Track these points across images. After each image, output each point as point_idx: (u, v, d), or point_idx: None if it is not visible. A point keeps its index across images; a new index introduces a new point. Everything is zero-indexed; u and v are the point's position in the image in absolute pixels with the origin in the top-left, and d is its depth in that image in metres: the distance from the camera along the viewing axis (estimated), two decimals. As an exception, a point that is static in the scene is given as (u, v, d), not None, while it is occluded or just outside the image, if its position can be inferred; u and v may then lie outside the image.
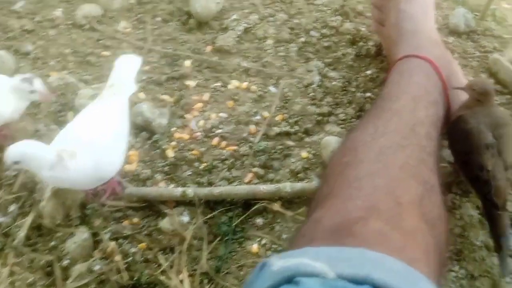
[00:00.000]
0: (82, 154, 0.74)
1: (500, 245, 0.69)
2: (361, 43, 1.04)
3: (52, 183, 0.79)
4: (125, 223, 0.81)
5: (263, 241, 0.79)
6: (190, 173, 0.87)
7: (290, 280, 0.37)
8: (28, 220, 0.80)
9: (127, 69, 0.87)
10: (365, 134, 0.63)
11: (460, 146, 0.76)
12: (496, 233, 0.70)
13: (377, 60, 1.01)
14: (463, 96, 0.77)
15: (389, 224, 0.47)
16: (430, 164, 0.60)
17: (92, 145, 0.75)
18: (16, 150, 0.71)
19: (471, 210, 0.78)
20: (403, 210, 0.51)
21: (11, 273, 0.77)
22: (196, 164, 0.88)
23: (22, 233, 0.79)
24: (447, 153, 0.82)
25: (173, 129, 0.93)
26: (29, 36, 1.09)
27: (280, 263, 0.39)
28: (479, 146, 0.71)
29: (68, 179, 0.75)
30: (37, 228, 0.81)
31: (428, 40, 0.84)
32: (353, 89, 0.97)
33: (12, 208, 0.82)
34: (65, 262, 0.77)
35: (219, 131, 0.93)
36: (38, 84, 0.83)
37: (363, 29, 1.07)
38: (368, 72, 0.99)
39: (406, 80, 0.75)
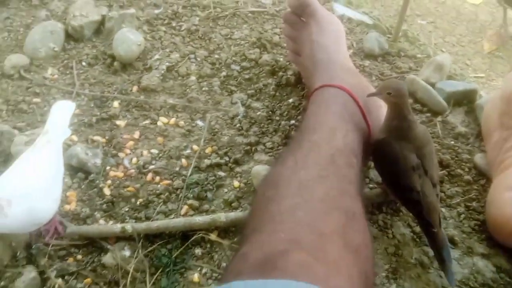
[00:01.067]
0: (17, 202, 0.76)
1: (443, 258, 0.74)
2: (280, 73, 1.11)
3: None
4: (70, 260, 0.84)
5: (204, 270, 0.83)
6: (127, 209, 0.90)
7: None
8: (-25, 263, 0.81)
9: (61, 115, 0.90)
10: (286, 168, 0.65)
11: (387, 169, 0.79)
12: (436, 248, 0.75)
13: (297, 88, 1.08)
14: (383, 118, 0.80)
15: (311, 255, 0.50)
16: (352, 192, 0.63)
17: (27, 193, 0.77)
18: None
19: (402, 228, 0.84)
20: (325, 241, 0.53)
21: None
22: (133, 200, 0.92)
23: (-31, 277, 0.80)
24: (376, 174, 0.88)
25: (108, 168, 0.96)
26: (-43, 90, 1.09)
27: None
28: (406, 169, 0.74)
29: (6, 226, 0.77)
30: (-14, 271, 0.83)
31: (342, 68, 0.89)
32: (278, 118, 1.03)
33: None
34: (16, 301, 0.78)
35: (152, 166, 0.97)
36: None
37: (281, 59, 1.14)
38: (290, 100, 1.05)
39: (323, 111, 0.78)
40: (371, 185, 0.90)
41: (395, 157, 0.75)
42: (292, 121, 1.02)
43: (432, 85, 1.05)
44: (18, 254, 0.83)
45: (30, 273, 0.81)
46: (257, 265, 0.49)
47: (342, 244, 0.54)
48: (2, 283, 0.81)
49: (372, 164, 0.89)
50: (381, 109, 0.85)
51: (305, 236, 0.53)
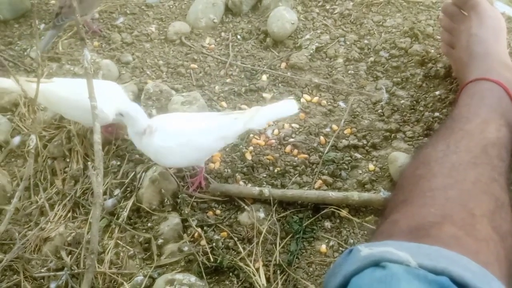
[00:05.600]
0: (169, 138, 0.86)
1: None
2: (430, 64, 1.09)
3: (135, 144, 0.90)
4: (210, 213, 0.92)
5: (331, 243, 0.87)
6: (265, 175, 0.96)
7: (376, 264, 0.43)
8: (130, 203, 0.93)
9: (275, 114, 0.93)
10: (437, 150, 0.67)
11: None
12: None
13: (446, 81, 1.05)
14: None
15: (462, 230, 0.52)
16: (501, 183, 0.63)
17: (182, 139, 0.86)
18: (126, 107, 0.84)
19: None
20: (476, 221, 0.55)
21: (116, 245, 0.89)
22: (271, 167, 0.97)
23: (125, 213, 0.92)
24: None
25: (251, 135, 1.02)
26: (128, 48, 1.22)
27: (367, 250, 0.45)
28: None
29: (144, 149, 0.89)
30: (136, 210, 0.94)
31: (499, 63, 0.86)
32: (421, 108, 1.02)
33: (117, 192, 0.95)
34: (160, 241, 0.88)
35: (292, 140, 1.01)
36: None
37: (432, 51, 1.11)
38: (437, 92, 1.03)
39: (477, 102, 0.77)
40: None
41: None
42: (437, 114, 1.00)
43: None
44: (165, 200, 0.92)
45: (174, 219, 0.90)
46: (409, 231, 0.52)
47: (491, 228, 0.55)
48: (149, 224, 0.91)
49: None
50: None
51: (457, 213, 0.55)
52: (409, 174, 0.67)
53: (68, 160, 1.01)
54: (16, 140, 1.05)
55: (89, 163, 0.85)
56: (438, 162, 0.64)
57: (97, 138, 0.70)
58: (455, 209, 0.56)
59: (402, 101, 1.04)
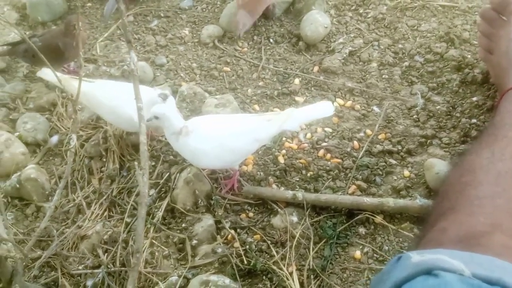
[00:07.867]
0: (204, 141, 0.87)
1: None
2: (466, 70, 1.07)
3: (172, 144, 0.92)
4: (243, 216, 0.92)
5: (365, 249, 0.86)
6: (298, 179, 0.96)
7: (428, 272, 0.43)
8: (164, 203, 0.94)
9: (310, 116, 0.94)
10: (482, 158, 0.66)
11: None
12: None
13: (483, 87, 1.04)
14: None
15: None
16: None
17: (216, 142, 0.87)
18: (161, 110, 0.86)
19: None
20: None
21: (151, 245, 0.90)
22: (303, 171, 0.97)
23: (160, 213, 0.93)
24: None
25: (284, 139, 1.02)
26: (162, 51, 1.23)
27: (418, 257, 0.45)
28: None
29: (180, 149, 0.90)
30: (171, 211, 0.95)
31: None
32: (458, 115, 1.01)
33: (152, 192, 0.96)
34: (194, 242, 0.89)
35: (325, 144, 1.01)
36: (170, 101, 0.93)
37: (468, 56, 1.10)
38: (474, 98, 1.02)
39: None
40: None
41: None
42: (474, 120, 0.98)
43: None
44: (199, 201, 0.93)
45: (208, 220, 0.90)
46: (459, 240, 0.52)
47: None
48: (184, 225, 0.92)
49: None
50: None
51: (506, 222, 0.55)
52: (453, 181, 0.67)
53: (104, 159, 1.03)
54: (54, 139, 1.08)
55: (135, 162, 0.87)
56: (484, 170, 0.64)
57: (143, 139, 0.71)
58: (504, 217, 0.56)
59: (438, 107, 1.03)
